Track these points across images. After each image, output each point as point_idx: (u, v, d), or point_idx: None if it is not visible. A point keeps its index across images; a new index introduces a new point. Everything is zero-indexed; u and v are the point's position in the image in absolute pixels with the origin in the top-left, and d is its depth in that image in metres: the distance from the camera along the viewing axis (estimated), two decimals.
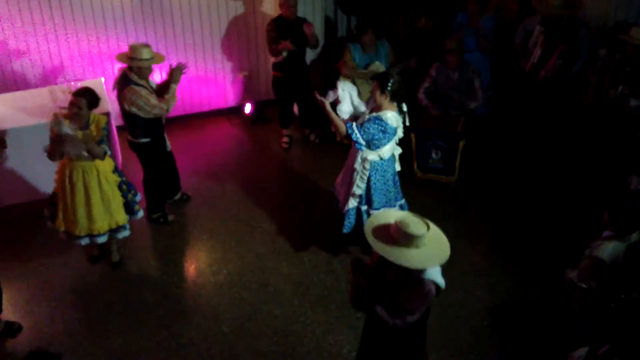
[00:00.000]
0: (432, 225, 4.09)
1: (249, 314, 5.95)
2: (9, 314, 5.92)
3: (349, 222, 6.28)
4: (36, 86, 8.13)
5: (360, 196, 6.14)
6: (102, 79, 8.15)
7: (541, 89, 7.41)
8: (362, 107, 6.05)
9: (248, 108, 9.14)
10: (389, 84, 5.63)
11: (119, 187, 6.12)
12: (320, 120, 8.32)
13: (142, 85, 6.25)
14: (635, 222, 4.63)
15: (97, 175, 5.90)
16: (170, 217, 7.16)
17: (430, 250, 4.01)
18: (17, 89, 8.03)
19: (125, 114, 6.38)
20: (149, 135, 6.55)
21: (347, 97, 6.04)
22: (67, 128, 5.62)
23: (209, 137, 8.85)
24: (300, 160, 8.32)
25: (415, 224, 3.99)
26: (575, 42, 7.12)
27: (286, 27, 7.73)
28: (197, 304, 6.11)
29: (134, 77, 6.23)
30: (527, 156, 7.81)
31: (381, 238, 4.05)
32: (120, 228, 6.21)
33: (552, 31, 7.13)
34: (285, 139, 8.55)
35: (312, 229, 7.01)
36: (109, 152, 5.93)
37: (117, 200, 6.11)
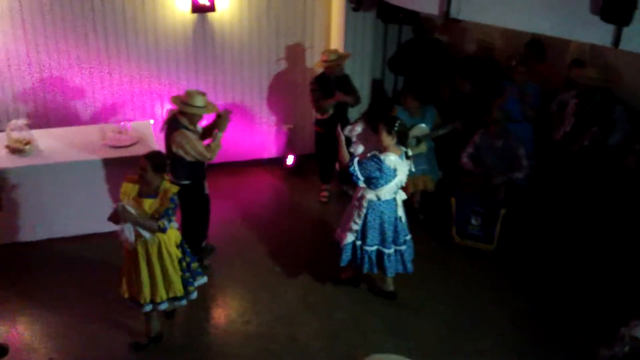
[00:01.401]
0: None
1: None
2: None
3: (345, 255, 6.47)
4: (87, 123, 8.33)
5: (356, 231, 6.33)
6: (151, 121, 8.32)
7: (575, 159, 7.35)
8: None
9: (290, 160, 9.23)
10: (396, 125, 5.91)
11: (179, 262, 5.83)
12: None
13: (191, 130, 6.37)
14: None
15: (158, 247, 5.63)
16: (206, 262, 7.17)
17: None
18: (69, 125, 8.25)
19: (170, 155, 6.46)
20: (191, 178, 6.63)
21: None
22: (129, 208, 5.38)
23: (249, 186, 8.94)
24: (337, 214, 8.24)
25: None
26: (611, 117, 7.09)
27: (329, 84, 7.85)
28: (225, 352, 6.08)
29: (185, 122, 6.35)
30: (566, 227, 7.70)
31: None
32: (178, 298, 5.93)
33: (586, 103, 7.13)
34: (324, 193, 8.59)
35: (344, 285, 6.97)
36: (175, 225, 5.71)
37: (176, 274, 5.80)
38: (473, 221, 7.35)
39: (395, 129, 5.92)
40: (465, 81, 8.04)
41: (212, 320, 6.49)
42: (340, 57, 7.91)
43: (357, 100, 8.01)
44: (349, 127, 6.64)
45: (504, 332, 6.36)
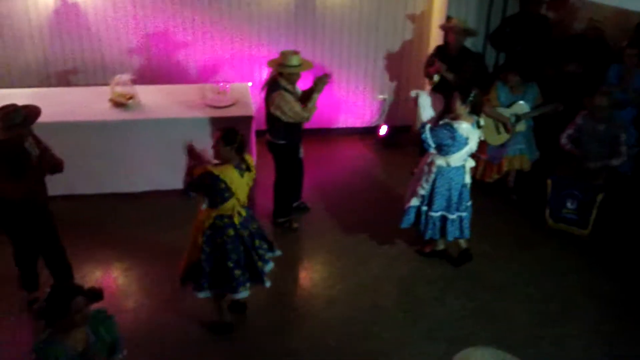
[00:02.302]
0: None
1: (358, 333, 5.95)
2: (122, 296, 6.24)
3: (408, 218, 6.56)
4: (187, 82, 8.54)
5: (422, 196, 6.40)
6: (249, 84, 8.45)
7: None
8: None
9: (383, 130, 9.19)
10: (471, 96, 5.94)
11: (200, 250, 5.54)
12: None
13: (289, 92, 6.55)
14: None
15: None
16: (295, 225, 7.31)
17: None
18: (170, 82, 8.48)
19: (269, 115, 6.71)
20: (286, 139, 6.84)
21: (427, 107, 6.50)
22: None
23: (340, 154, 8.98)
24: None
25: None
26: None
27: (447, 56, 7.73)
28: (308, 314, 6.18)
29: (283, 83, 6.54)
30: None
31: None
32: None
33: None
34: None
35: (432, 258, 6.94)
36: (204, 206, 5.48)
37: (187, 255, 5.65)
38: (568, 205, 7.14)
39: (470, 98, 5.97)
40: (573, 63, 7.75)
41: (296, 281, 6.61)
42: (466, 31, 7.74)
43: (458, 81, 7.80)
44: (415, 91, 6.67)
45: (592, 320, 6.19)
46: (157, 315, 6.04)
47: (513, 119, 7.35)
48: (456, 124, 6.01)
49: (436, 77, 7.72)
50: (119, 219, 7.36)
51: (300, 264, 6.85)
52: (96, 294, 3.96)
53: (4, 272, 6.34)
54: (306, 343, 5.82)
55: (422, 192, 6.39)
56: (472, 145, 6.17)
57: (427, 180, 6.32)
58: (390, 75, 9.17)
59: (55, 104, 7.40)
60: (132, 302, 6.20)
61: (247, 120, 7.51)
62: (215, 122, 7.36)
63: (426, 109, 6.44)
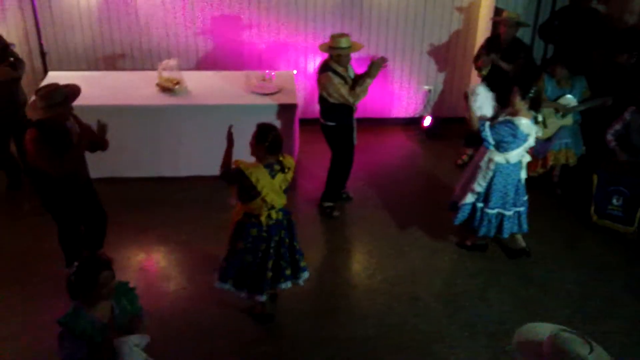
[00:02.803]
0: (594, 344, 3.33)
1: (396, 324, 5.95)
2: (173, 278, 6.34)
3: (462, 215, 6.47)
4: (233, 69, 8.58)
5: (478, 193, 6.31)
6: (295, 72, 8.47)
7: None
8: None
9: (427, 121, 9.13)
10: (531, 92, 5.84)
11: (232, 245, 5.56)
12: None
13: (338, 74, 6.65)
14: None
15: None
16: (336, 213, 7.33)
17: None
18: (216, 69, 8.55)
19: (320, 97, 6.88)
20: (335, 120, 6.92)
21: (486, 101, 6.21)
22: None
23: (383, 144, 8.95)
24: None
25: (575, 342, 3.27)
26: None
27: (498, 49, 7.66)
28: (347, 303, 6.20)
29: (334, 65, 6.69)
30: None
31: (530, 358, 3.38)
32: None
33: None
34: (464, 156, 8.43)
35: (473, 252, 6.90)
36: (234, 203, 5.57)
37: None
38: (614, 201, 7.01)
39: (530, 95, 5.88)
40: (624, 54, 7.58)
41: (335, 270, 6.62)
42: (518, 23, 7.70)
43: (516, 71, 7.70)
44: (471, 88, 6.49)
45: (635, 318, 6.09)
46: (197, 300, 6.12)
47: (559, 114, 7.24)
48: (517, 121, 5.90)
49: (484, 71, 7.66)
50: (162, 203, 7.46)
51: (340, 253, 6.87)
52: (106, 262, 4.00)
53: (45, 248, 6.50)
54: (343, 332, 5.84)
55: (478, 189, 6.29)
56: (530, 142, 6.08)
57: (484, 177, 6.22)
58: (435, 66, 9.10)
59: (103, 88, 7.53)
60: (173, 285, 6.29)
61: (291, 107, 7.54)
62: (259, 109, 7.41)
63: (485, 104, 6.26)
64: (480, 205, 6.37)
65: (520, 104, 5.92)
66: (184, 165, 7.77)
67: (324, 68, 6.74)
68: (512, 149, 6.03)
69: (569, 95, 7.36)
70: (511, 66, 7.58)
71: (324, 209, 7.35)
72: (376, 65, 6.73)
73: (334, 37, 6.72)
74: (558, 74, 7.34)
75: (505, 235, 6.50)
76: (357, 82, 6.75)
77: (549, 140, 7.46)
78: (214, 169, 7.63)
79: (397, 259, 6.78)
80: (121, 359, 3.92)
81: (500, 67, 7.64)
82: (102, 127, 5.80)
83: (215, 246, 6.52)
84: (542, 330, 3.48)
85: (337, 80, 6.64)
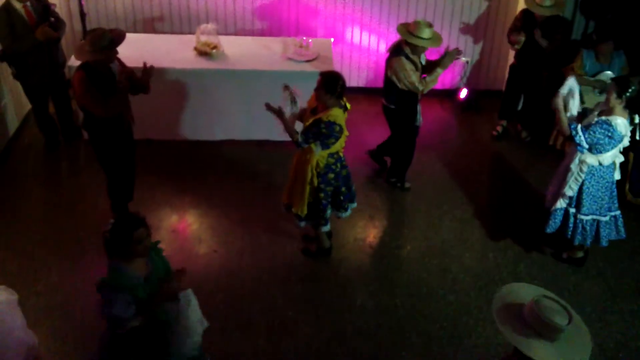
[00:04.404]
0: (574, 314, 3.41)
1: (424, 295, 6.00)
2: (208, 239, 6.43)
3: (554, 222, 6.11)
4: (271, 35, 8.57)
5: (570, 198, 5.96)
6: (332, 39, 8.42)
7: None
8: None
9: (463, 93, 9.03)
10: (629, 90, 5.44)
11: (315, 190, 5.83)
12: (537, 120, 8.10)
13: (411, 60, 6.46)
14: None
15: (300, 160, 5.80)
16: (407, 185, 7.36)
17: (568, 347, 3.31)
18: (254, 34, 8.54)
19: (385, 78, 6.69)
20: (399, 104, 6.76)
21: (576, 94, 5.91)
22: (291, 100, 5.71)
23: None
24: (505, 154, 8.10)
25: (556, 311, 3.34)
26: None
27: (534, 21, 7.52)
28: (376, 273, 6.25)
29: (407, 50, 6.45)
30: None
31: (510, 319, 3.44)
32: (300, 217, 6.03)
33: None
34: (498, 128, 8.36)
35: (504, 225, 6.88)
36: (318, 151, 5.61)
37: (302, 196, 5.82)
38: None
39: (628, 94, 5.47)
40: None
41: (367, 241, 6.65)
42: (557, 4, 7.47)
43: (551, 47, 7.53)
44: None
45: None
46: (229, 263, 6.21)
47: (597, 91, 7.12)
48: (613, 121, 5.52)
49: (518, 45, 7.55)
50: (196, 166, 7.53)
51: (372, 224, 6.88)
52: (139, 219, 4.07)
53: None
54: (372, 301, 5.91)
55: (569, 193, 5.92)
56: (625, 142, 5.73)
57: (575, 181, 5.86)
58: (473, 37, 8.97)
59: (141, 50, 7.55)
60: (204, 248, 6.38)
61: None
62: (295, 75, 7.38)
63: (576, 100, 5.90)
64: (572, 210, 6.00)
65: (615, 102, 5.52)
66: (219, 129, 7.81)
67: (397, 51, 6.47)
68: (607, 150, 5.67)
69: (608, 72, 7.22)
70: (547, 42, 7.43)
71: (393, 183, 7.37)
72: (450, 56, 6.55)
73: (417, 24, 6.35)
74: (605, 51, 7.15)
75: (604, 243, 6.11)
76: (430, 70, 6.57)
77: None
78: (248, 134, 7.75)
79: (428, 231, 6.79)
80: (187, 313, 4.12)
81: (537, 43, 7.50)
82: (148, 71, 5.99)
83: (248, 211, 6.61)
84: (524, 293, 3.55)
85: (409, 66, 6.41)
